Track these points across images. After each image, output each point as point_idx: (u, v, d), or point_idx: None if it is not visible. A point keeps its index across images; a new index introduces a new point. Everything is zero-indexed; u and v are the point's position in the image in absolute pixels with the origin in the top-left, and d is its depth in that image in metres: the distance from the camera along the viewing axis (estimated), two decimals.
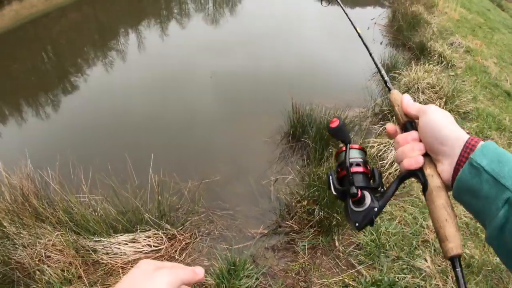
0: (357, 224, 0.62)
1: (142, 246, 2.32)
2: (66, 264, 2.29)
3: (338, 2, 1.14)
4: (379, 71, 0.80)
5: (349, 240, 2.44)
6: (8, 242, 2.31)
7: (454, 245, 0.55)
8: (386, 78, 0.78)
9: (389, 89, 0.74)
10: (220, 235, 2.63)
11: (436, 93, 4.18)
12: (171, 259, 2.38)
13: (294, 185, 3.00)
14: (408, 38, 5.99)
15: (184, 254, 2.44)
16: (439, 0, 7.53)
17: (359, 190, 0.62)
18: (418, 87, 4.25)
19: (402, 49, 6.02)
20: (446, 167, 0.57)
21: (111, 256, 2.31)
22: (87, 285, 2.18)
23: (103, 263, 2.33)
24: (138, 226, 2.40)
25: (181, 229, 2.57)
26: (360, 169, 0.65)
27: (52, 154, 2.96)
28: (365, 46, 0.89)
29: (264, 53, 6.04)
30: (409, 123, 0.65)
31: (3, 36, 6.94)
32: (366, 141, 3.35)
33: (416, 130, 0.63)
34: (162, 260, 2.34)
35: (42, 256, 2.27)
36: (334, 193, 0.65)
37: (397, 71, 4.73)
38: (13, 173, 2.63)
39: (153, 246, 2.35)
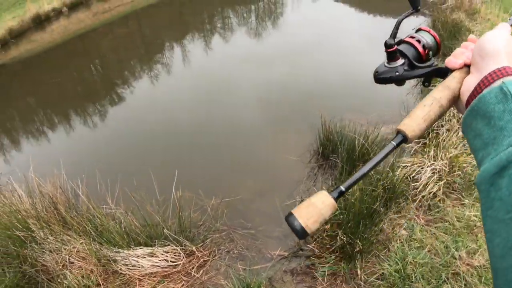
0: (376, 73, 0.65)
1: (160, 260, 2.33)
2: (87, 272, 2.36)
3: None
4: None
5: (372, 269, 2.28)
6: (36, 246, 2.43)
7: (409, 124, 0.55)
8: None
9: None
10: (239, 254, 2.58)
11: None
12: (188, 275, 2.37)
13: None
14: (449, 47, 5.63)
15: (201, 271, 2.41)
16: (481, 7, 7.05)
17: (396, 47, 0.62)
18: None
19: (443, 59, 5.65)
20: (472, 79, 0.55)
21: (130, 267, 2.35)
22: None
23: (121, 273, 2.37)
24: (157, 240, 2.42)
25: (201, 246, 2.56)
26: (418, 45, 0.65)
27: (83, 166, 3.11)
28: None
29: (303, 67, 5.93)
30: None
31: (52, 49, 7.54)
32: (399, 160, 3.15)
33: None
34: (178, 277, 2.34)
35: (66, 261, 2.36)
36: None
37: (437, 83, 4.44)
38: (46, 182, 2.78)
39: (170, 261, 2.35)
